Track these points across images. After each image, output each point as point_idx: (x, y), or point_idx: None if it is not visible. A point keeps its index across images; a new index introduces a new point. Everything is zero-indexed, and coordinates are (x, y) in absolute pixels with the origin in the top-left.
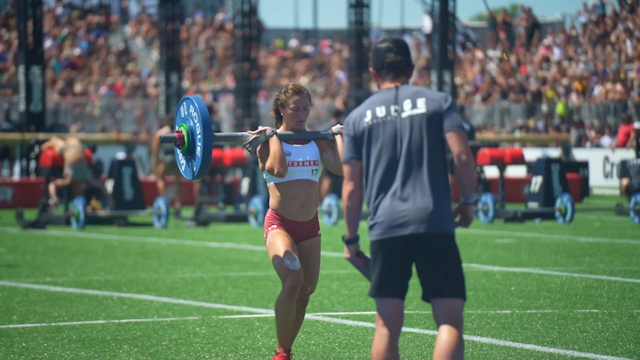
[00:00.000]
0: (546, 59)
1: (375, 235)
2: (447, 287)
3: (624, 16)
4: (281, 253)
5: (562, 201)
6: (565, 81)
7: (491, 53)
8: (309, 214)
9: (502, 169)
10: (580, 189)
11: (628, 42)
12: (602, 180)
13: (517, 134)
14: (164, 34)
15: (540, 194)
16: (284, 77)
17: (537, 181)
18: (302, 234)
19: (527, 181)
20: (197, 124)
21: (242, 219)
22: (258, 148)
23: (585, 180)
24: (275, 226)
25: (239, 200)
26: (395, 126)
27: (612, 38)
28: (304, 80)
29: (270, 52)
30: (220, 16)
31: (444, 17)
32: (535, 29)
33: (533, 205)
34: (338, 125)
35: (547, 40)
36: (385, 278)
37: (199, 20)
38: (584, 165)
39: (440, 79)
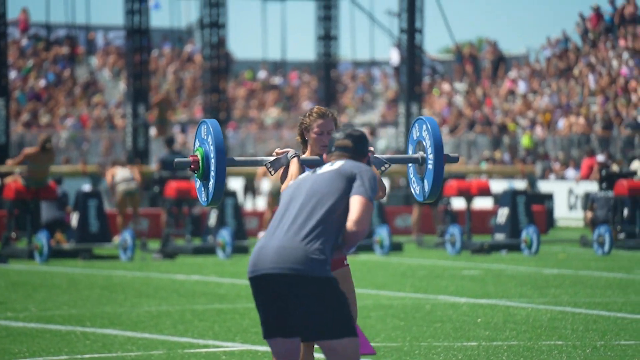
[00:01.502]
0: (511, 92)
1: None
2: (320, 328)
3: (586, 51)
4: None
5: (528, 233)
6: (530, 114)
7: (458, 86)
8: (340, 253)
9: (469, 200)
10: (546, 220)
11: (590, 76)
12: (566, 212)
13: (484, 166)
14: (131, 65)
15: (507, 226)
16: (253, 109)
17: (503, 213)
18: (335, 266)
19: (493, 213)
20: (211, 148)
21: (210, 251)
22: (280, 170)
23: (550, 212)
24: None
25: (207, 232)
26: (308, 180)
27: (575, 72)
28: (272, 112)
29: (239, 84)
30: (188, 47)
31: (412, 50)
32: (501, 62)
33: (499, 236)
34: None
35: (513, 74)
36: (264, 318)
37: (167, 52)
38: (549, 197)
39: (408, 111)
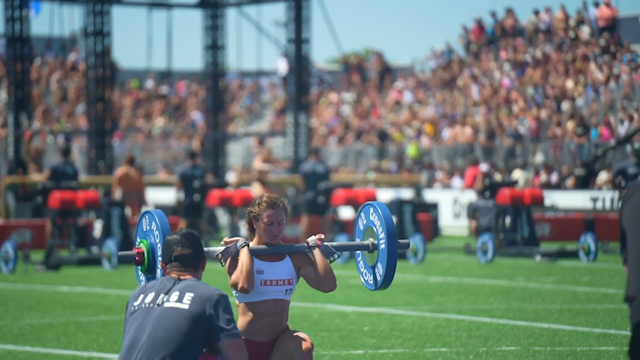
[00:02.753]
0: (398, 102)
1: None
2: None
3: (469, 62)
4: None
5: (414, 241)
6: (416, 124)
7: (345, 96)
8: (278, 332)
9: (356, 209)
10: (431, 229)
11: (474, 87)
12: (452, 221)
13: (371, 175)
14: (12, 74)
15: None
16: (140, 118)
17: None
18: (269, 350)
19: None
20: (158, 243)
21: (95, 262)
22: (228, 262)
23: (435, 220)
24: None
25: (92, 242)
26: (154, 313)
27: (459, 83)
28: (159, 121)
29: (124, 93)
30: (72, 56)
31: (299, 60)
32: (387, 72)
33: None
34: (314, 237)
35: (399, 84)
36: None
37: (50, 60)
38: (435, 206)
39: (296, 121)
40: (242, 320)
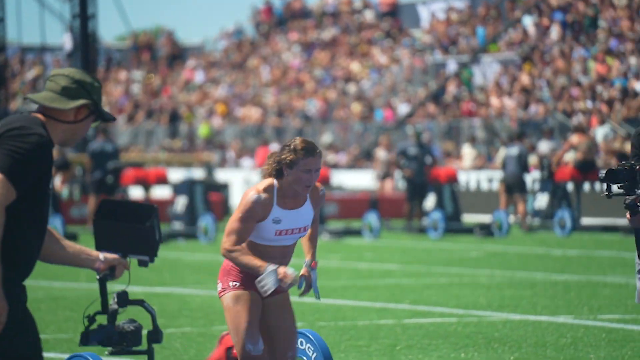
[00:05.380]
0: (189, 82)
1: None
2: None
3: (259, 43)
4: (243, 331)
5: (205, 221)
6: (208, 103)
7: (135, 74)
8: None
9: (146, 189)
10: (222, 208)
11: (264, 68)
12: None
13: (162, 155)
14: None
15: (184, 214)
16: None
17: (181, 201)
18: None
19: (171, 202)
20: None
21: None
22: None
23: (226, 200)
24: (238, 284)
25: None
26: None
27: (250, 63)
28: None
29: None
30: None
31: (85, 37)
32: (178, 52)
33: (177, 225)
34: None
35: (191, 63)
36: None
37: None
38: (225, 186)
39: None
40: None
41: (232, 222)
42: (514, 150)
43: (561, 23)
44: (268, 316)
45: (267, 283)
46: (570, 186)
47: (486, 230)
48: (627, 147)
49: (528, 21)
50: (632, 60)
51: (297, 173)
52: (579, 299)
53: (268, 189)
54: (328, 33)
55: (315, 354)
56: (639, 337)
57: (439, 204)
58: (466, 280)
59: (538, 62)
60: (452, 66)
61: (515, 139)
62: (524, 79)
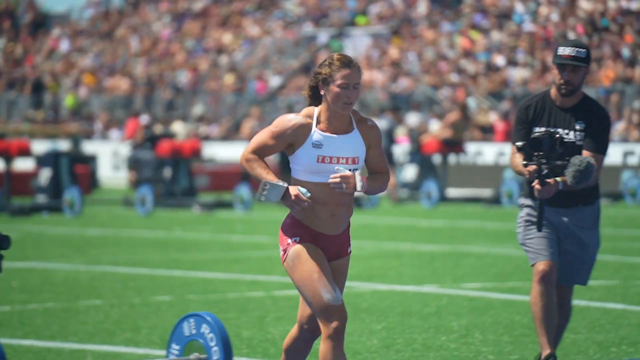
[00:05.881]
0: (54, 51)
1: None
2: None
3: (128, 12)
4: (316, 282)
5: (71, 194)
6: (74, 73)
7: None
8: (340, 227)
9: (8, 161)
10: (90, 181)
11: (133, 38)
12: (111, 173)
13: (25, 126)
14: None
15: (49, 187)
16: None
17: (45, 174)
18: (330, 251)
19: (34, 174)
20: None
21: None
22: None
23: (93, 172)
24: (298, 239)
25: None
26: None
27: (118, 33)
28: None
29: None
30: None
31: None
32: (42, 19)
33: (41, 198)
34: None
35: (55, 32)
36: None
37: None
38: (93, 158)
39: None
40: None
41: (258, 134)
42: (383, 123)
43: None
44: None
45: (269, 194)
46: (437, 158)
47: (356, 202)
48: (491, 119)
49: None
50: (495, 35)
51: (334, 89)
52: (444, 268)
53: (307, 113)
54: (199, 3)
55: (214, 340)
56: (499, 305)
57: None
58: None
59: (407, 36)
60: (323, 38)
61: (385, 112)
62: (393, 52)
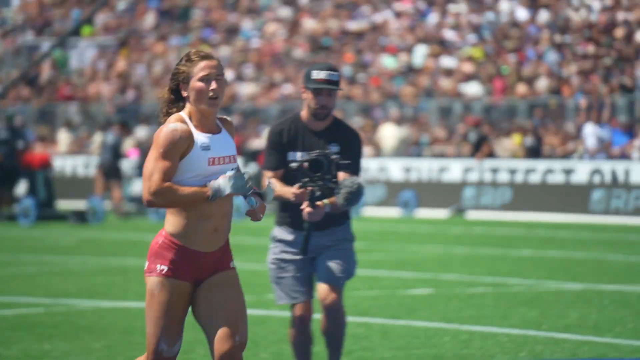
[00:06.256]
0: None
1: None
2: None
3: None
4: (161, 325)
5: None
6: None
7: None
8: (221, 241)
9: None
10: None
11: None
12: None
13: None
14: None
15: None
16: None
17: None
18: (209, 268)
19: None
20: None
21: None
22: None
23: None
24: (166, 269)
25: None
26: None
27: None
28: None
29: None
30: None
31: None
32: None
33: None
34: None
35: None
36: None
37: None
38: None
39: None
40: (176, 219)
41: (150, 163)
42: (110, 136)
43: (157, 10)
44: (209, 296)
45: (222, 187)
46: None
47: (81, 217)
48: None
49: (122, 5)
50: (224, 50)
51: (196, 85)
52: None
53: (179, 119)
54: None
55: None
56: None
57: (32, 190)
58: (57, 269)
59: (135, 48)
60: (45, 48)
61: (111, 125)
62: (121, 64)
